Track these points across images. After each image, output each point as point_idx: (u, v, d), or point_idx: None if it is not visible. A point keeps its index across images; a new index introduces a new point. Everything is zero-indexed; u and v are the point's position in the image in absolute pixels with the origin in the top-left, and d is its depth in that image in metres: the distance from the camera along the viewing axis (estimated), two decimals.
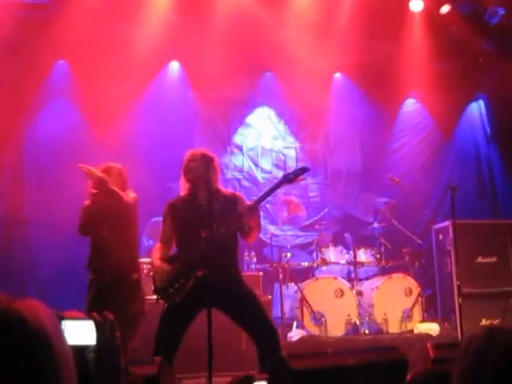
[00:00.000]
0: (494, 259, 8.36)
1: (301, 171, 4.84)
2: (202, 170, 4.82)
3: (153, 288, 4.85)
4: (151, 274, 4.98)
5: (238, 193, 5.31)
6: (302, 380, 3.50)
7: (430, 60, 10.03)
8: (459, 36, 9.69)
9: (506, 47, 9.71)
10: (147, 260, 6.84)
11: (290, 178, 4.77)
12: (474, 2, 9.68)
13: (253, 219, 4.79)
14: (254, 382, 1.89)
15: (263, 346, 4.68)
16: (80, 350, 2.16)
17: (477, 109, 11.24)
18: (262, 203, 4.89)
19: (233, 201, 4.92)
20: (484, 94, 11.16)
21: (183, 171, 5.00)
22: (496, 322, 8.08)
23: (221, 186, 5.08)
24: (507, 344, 1.30)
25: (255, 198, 5.05)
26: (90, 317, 2.21)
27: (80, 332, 2.22)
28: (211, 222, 4.51)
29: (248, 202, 4.94)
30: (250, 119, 10.29)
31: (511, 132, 10.28)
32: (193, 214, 4.81)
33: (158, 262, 4.83)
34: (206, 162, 4.85)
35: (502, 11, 9.56)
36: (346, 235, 8.92)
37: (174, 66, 9.95)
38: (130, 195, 5.55)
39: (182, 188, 5.07)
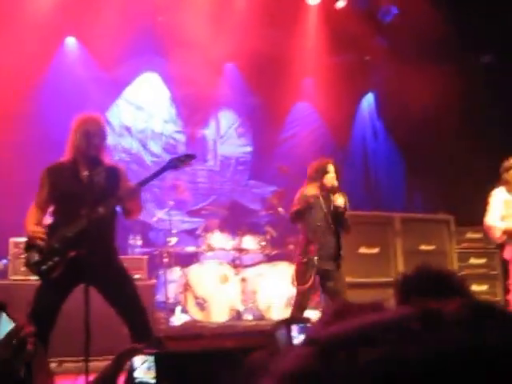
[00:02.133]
0: (376, 250, 8.58)
1: (187, 158, 4.72)
2: (98, 140, 4.64)
3: (25, 259, 4.62)
4: (25, 241, 4.67)
5: (119, 165, 5.11)
6: (179, 361, 3.47)
7: (325, 53, 10.22)
8: (353, 31, 9.91)
9: (396, 45, 10.01)
10: None
11: (176, 165, 4.65)
12: (370, 0, 9.95)
13: (134, 202, 4.68)
14: (140, 354, 1.83)
15: (137, 326, 4.58)
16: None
17: (367, 104, 11.57)
18: (145, 186, 4.74)
19: (114, 174, 4.74)
20: (374, 89, 11.50)
21: (79, 136, 4.61)
22: None
23: (103, 156, 4.80)
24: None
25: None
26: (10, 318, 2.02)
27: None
28: (91, 200, 4.36)
29: (130, 183, 4.79)
30: (141, 101, 10.12)
31: (397, 128, 10.64)
32: (73, 187, 4.58)
33: (33, 227, 4.58)
34: (103, 131, 4.70)
35: (395, 11, 9.87)
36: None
37: (70, 42, 9.66)
38: None
39: (67, 152, 4.72)
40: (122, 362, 1.83)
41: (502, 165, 6.82)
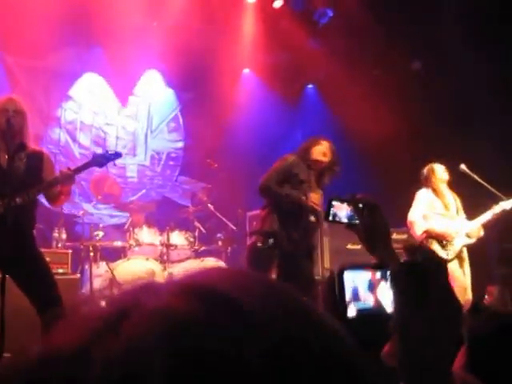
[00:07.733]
0: None
1: (112, 156, 4.71)
2: (19, 119, 4.50)
3: None
4: None
5: (44, 151, 4.96)
6: None
7: (260, 51, 10.25)
8: (289, 31, 9.96)
9: (330, 48, 10.10)
10: None
11: (101, 162, 4.67)
12: (306, 1, 10.02)
13: (66, 187, 4.61)
14: None
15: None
16: None
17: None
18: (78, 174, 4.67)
19: (37, 160, 4.61)
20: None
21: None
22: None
23: (27, 140, 4.65)
24: None
25: (72, 167, 4.76)
26: None
27: None
28: (9, 187, 4.22)
29: (59, 168, 4.67)
30: (71, 92, 9.91)
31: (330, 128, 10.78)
32: None
33: None
34: (23, 111, 4.55)
35: (330, 13, 9.97)
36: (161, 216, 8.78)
37: None
38: None
39: None
40: None
41: (424, 170, 7.00)
